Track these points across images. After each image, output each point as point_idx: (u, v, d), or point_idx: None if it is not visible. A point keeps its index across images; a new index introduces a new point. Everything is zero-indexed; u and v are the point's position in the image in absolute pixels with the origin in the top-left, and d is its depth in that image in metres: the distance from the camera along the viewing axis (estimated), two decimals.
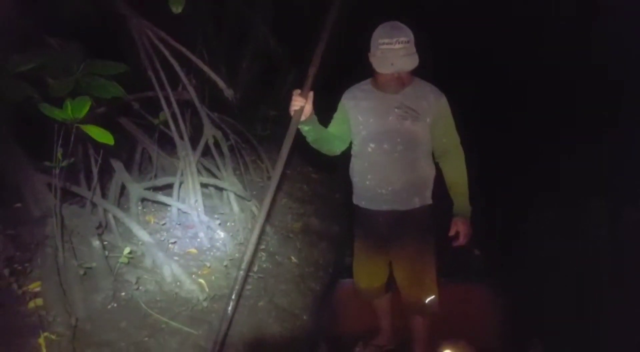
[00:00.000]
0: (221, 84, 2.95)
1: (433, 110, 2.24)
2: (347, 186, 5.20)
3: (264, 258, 3.30)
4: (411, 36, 2.13)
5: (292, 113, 2.20)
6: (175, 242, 2.87)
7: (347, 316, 2.95)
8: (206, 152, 3.57)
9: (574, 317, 2.88)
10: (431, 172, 2.39)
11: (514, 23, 7.06)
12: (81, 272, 2.31)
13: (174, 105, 3.05)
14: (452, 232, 2.32)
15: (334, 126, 2.48)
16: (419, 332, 2.55)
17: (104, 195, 2.87)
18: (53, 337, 2.00)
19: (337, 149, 2.52)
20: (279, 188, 4.47)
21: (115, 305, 2.35)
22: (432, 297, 2.44)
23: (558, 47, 6.19)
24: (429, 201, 2.41)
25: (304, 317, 3.12)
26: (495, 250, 3.49)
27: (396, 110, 2.24)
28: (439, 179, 2.44)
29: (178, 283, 2.58)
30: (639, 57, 4.48)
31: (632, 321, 2.64)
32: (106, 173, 3.07)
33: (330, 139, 2.46)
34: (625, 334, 2.59)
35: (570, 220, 4.08)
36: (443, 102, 2.27)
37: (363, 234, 2.57)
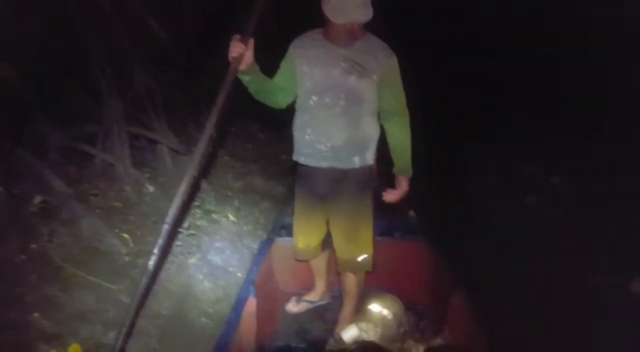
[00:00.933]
0: (153, 24, 2.73)
1: (382, 68, 2.13)
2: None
3: (198, 215, 3.17)
4: None
5: (230, 60, 2.04)
6: (96, 195, 2.68)
7: (281, 274, 2.87)
8: (140, 103, 3.35)
9: (499, 271, 2.99)
10: (374, 132, 2.28)
11: None
12: None
13: (100, 48, 2.80)
14: (397, 189, 2.29)
15: (280, 76, 2.32)
16: (351, 289, 2.51)
17: (18, 141, 2.63)
18: None
19: (282, 101, 2.35)
20: (220, 146, 4.32)
21: (23, 257, 2.17)
22: (366, 256, 2.39)
23: None
24: (370, 162, 2.31)
25: (239, 274, 3.03)
26: (429, 212, 3.52)
27: (342, 63, 2.11)
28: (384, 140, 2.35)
29: (98, 237, 2.41)
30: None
31: (549, 274, 2.78)
32: (24, 118, 2.81)
33: (274, 90, 2.30)
34: (542, 284, 2.73)
35: (502, 185, 4.20)
36: (393, 61, 2.16)
37: (302, 191, 2.47)
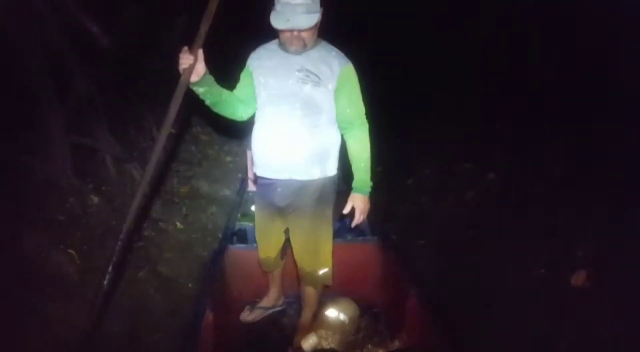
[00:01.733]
0: (94, 28, 2.61)
1: (336, 76, 2.09)
2: (238, 148, 5.11)
3: (145, 225, 3.09)
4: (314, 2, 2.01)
5: (180, 72, 1.99)
6: (39, 209, 2.55)
7: (236, 282, 2.86)
8: (80, 109, 3.20)
9: (449, 270, 3.13)
10: (334, 142, 2.24)
11: None
12: None
13: (37, 51, 2.65)
14: (346, 209, 2.20)
15: (239, 88, 2.29)
16: (310, 300, 2.54)
17: None
18: None
19: (241, 113, 2.31)
20: (165, 150, 4.20)
21: None
22: (326, 270, 2.40)
23: None
24: (331, 173, 2.27)
25: (190, 285, 2.99)
26: (378, 212, 3.63)
27: (297, 73, 2.09)
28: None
29: (43, 255, 2.30)
30: None
31: (496, 271, 2.95)
32: None
33: (232, 102, 2.25)
34: (490, 281, 2.88)
35: (443, 182, 4.40)
36: (348, 69, 2.12)
37: (261, 203, 2.44)
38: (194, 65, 1.96)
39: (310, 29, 2.02)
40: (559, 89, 4.05)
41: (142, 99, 4.01)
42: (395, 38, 7.79)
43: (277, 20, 1.98)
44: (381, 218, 3.56)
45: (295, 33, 2.02)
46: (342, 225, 3.26)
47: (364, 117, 2.20)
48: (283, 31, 2.02)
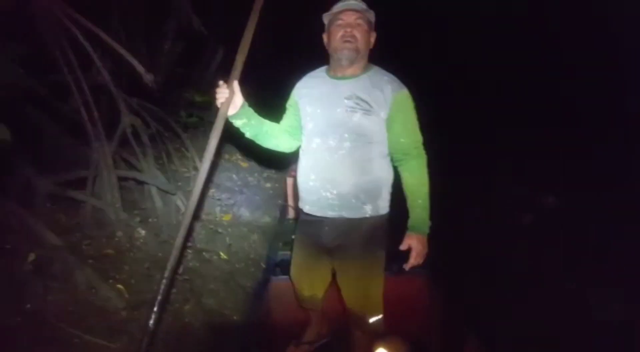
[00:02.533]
0: (139, 67, 2.67)
1: (389, 103, 1.95)
2: (277, 175, 5.12)
3: (190, 256, 3.10)
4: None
5: (218, 106, 2.01)
6: (89, 244, 2.60)
7: (280, 315, 2.82)
8: (125, 143, 3.28)
9: (508, 307, 2.96)
10: (387, 177, 2.08)
11: None
12: None
13: (86, 90, 2.74)
14: (403, 247, 2.04)
15: (285, 119, 2.23)
16: (359, 347, 2.35)
17: (4, 192, 2.53)
18: None
19: (285, 145, 2.24)
20: (207, 178, 4.26)
21: (18, 320, 2.07)
22: (377, 317, 2.24)
23: None
24: (384, 211, 2.10)
25: (234, 317, 2.97)
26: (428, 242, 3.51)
27: (345, 100, 1.97)
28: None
29: (93, 290, 2.33)
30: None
31: (558, 305, 2.75)
32: (9, 167, 2.71)
33: (274, 134, 2.18)
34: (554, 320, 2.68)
35: (497, 209, 4.22)
36: (402, 95, 1.98)
37: (305, 241, 2.29)
38: (230, 99, 1.97)
39: (365, 24, 1.98)
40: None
41: (183, 129, 4.09)
42: (454, 59, 7.65)
43: (332, 9, 1.99)
44: (430, 248, 3.47)
45: (349, 30, 1.95)
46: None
47: (421, 147, 2.04)
48: (336, 25, 1.98)
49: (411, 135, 2.02)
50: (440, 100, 6.75)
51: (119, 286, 2.46)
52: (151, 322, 2.01)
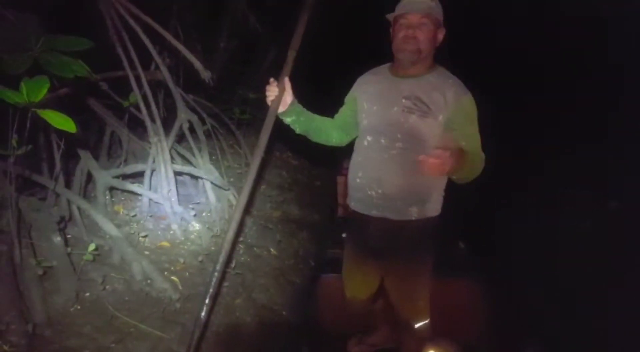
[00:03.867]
0: (198, 64, 2.71)
1: (450, 107, 1.86)
2: (327, 173, 5.11)
3: (241, 251, 3.13)
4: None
5: (268, 103, 2.00)
6: (146, 236, 2.66)
7: (331, 313, 2.80)
8: (180, 138, 3.36)
9: (565, 312, 2.81)
10: (439, 182, 2.01)
11: None
12: (40, 271, 2.09)
13: (145, 86, 2.80)
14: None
15: (341, 113, 2.21)
16: (406, 350, 2.36)
17: (67, 184, 2.63)
18: (6, 348, 1.79)
19: (336, 140, 2.22)
20: (258, 175, 4.29)
21: (78, 307, 2.15)
22: (424, 322, 2.21)
23: None
24: (433, 214, 2.03)
25: (284, 313, 2.97)
26: (480, 243, 3.38)
27: (403, 100, 1.90)
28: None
29: (149, 281, 2.38)
30: None
31: (620, 313, 2.59)
32: (71, 160, 2.81)
33: (325, 129, 2.17)
34: (616, 327, 2.52)
35: (554, 212, 4.03)
36: (465, 100, 1.87)
37: (352, 240, 2.29)
38: (280, 97, 1.97)
39: (430, 24, 1.86)
40: None
41: (237, 126, 4.14)
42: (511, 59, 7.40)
43: (396, 9, 1.92)
44: (485, 249, 3.35)
45: (411, 31, 1.86)
46: (440, 259, 3.11)
47: (480, 151, 1.91)
48: (400, 24, 1.89)
49: (470, 139, 1.90)
50: (505, 97, 6.56)
51: (174, 277, 2.50)
52: (203, 314, 2.04)
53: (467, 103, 1.89)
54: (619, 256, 3.09)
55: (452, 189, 2.07)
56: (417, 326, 2.20)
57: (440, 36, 1.95)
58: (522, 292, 3.05)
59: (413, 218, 1.99)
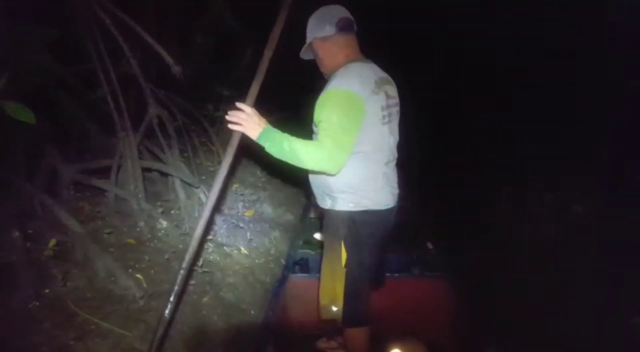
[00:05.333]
0: (168, 59, 2.67)
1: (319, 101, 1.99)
2: (300, 173, 5.10)
3: (210, 249, 3.09)
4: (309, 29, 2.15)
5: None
6: (111, 232, 2.61)
7: (296, 313, 2.79)
8: (151, 134, 3.30)
9: (528, 312, 2.85)
10: (332, 180, 2.06)
11: None
12: None
13: (114, 80, 2.75)
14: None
15: None
16: (344, 340, 2.41)
17: (30, 178, 2.56)
18: None
19: None
20: (231, 174, 4.26)
21: (37, 304, 2.09)
22: (334, 308, 2.20)
23: None
24: (342, 208, 2.10)
25: (252, 312, 2.95)
26: (447, 244, 3.42)
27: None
28: None
29: (112, 278, 2.34)
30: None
31: (581, 314, 2.64)
32: (36, 154, 2.75)
33: None
34: (575, 327, 2.57)
35: (520, 214, 4.10)
36: (328, 92, 1.95)
37: None
38: (243, 123, 1.95)
39: (315, 50, 2.16)
40: None
41: (210, 123, 4.10)
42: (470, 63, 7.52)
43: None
44: (452, 251, 3.37)
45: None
46: (408, 259, 3.13)
47: (326, 138, 1.88)
48: None
49: (322, 125, 1.92)
50: (468, 99, 6.65)
51: (138, 275, 2.46)
52: (167, 312, 2.02)
53: (329, 95, 1.94)
54: (583, 258, 3.15)
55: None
56: (331, 308, 2.21)
57: (325, 48, 2.13)
58: (488, 292, 3.09)
59: (327, 208, 2.18)
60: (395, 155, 2.22)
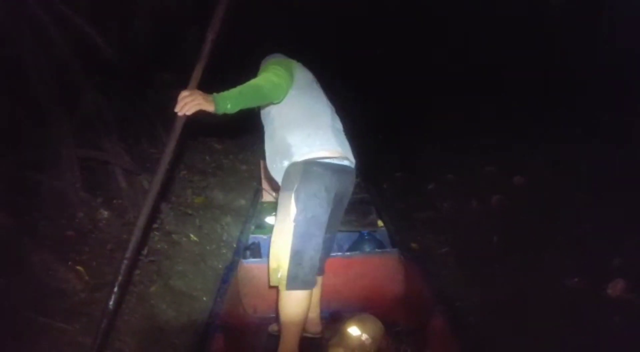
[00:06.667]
0: (99, 41, 2.55)
1: None
2: (253, 157, 5.04)
3: (156, 238, 3.02)
4: None
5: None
6: (47, 225, 2.49)
7: (248, 298, 2.76)
8: (88, 121, 3.16)
9: (476, 283, 2.93)
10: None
11: None
12: None
13: (44, 65, 2.61)
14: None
15: None
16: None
17: None
18: None
19: None
20: (178, 160, 4.15)
21: None
22: (281, 270, 2.06)
23: None
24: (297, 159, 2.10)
25: (204, 298, 2.90)
26: (397, 221, 3.47)
27: None
28: None
29: (50, 272, 2.24)
30: None
31: (526, 281, 2.74)
32: None
33: None
34: (520, 294, 2.66)
35: (466, 186, 4.23)
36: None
37: None
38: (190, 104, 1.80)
39: None
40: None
41: (153, 110, 3.96)
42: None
43: None
44: (401, 227, 3.42)
45: None
46: (361, 237, 3.15)
47: (266, 72, 2.09)
48: None
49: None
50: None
51: (79, 267, 2.37)
52: (111, 303, 1.94)
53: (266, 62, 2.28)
54: (526, 228, 3.27)
55: None
56: (279, 274, 2.08)
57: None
58: (439, 268, 3.17)
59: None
60: None
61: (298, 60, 2.38)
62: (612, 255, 2.65)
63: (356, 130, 2.77)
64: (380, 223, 3.29)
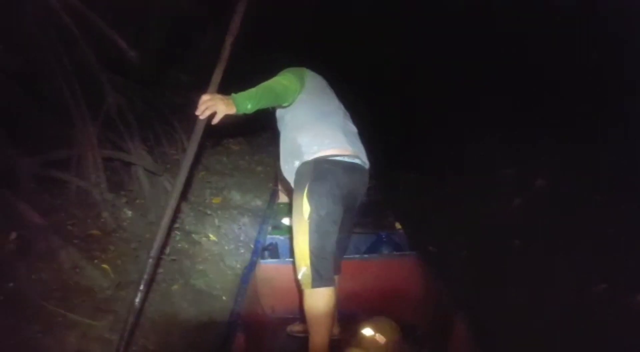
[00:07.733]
0: (122, 44, 2.61)
1: None
2: (269, 158, 5.09)
3: (178, 238, 3.07)
4: None
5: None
6: (74, 224, 2.56)
7: (267, 298, 2.79)
8: (112, 123, 3.22)
9: (496, 287, 2.92)
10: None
11: None
12: None
13: (68, 68, 2.67)
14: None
15: None
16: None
17: None
18: None
19: None
20: (196, 161, 4.20)
21: (1, 298, 2.04)
22: (303, 270, 2.08)
23: None
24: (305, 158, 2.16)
25: (224, 297, 2.95)
26: (415, 223, 3.48)
27: None
28: None
29: (77, 270, 2.30)
30: None
31: (548, 287, 2.72)
32: None
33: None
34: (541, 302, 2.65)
35: (485, 190, 4.20)
36: None
37: None
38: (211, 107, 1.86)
39: None
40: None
41: (172, 110, 4.02)
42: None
43: None
44: (419, 229, 3.43)
45: None
46: (379, 239, 3.17)
47: (277, 76, 2.20)
48: None
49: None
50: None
51: (104, 265, 2.43)
52: (137, 300, 1.99)
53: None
54: (548, 231, 3.24)
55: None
56: (299, 273, 2.11)
57: None
58: (455, 270, 3.17)
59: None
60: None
61: (310, 67, 2.40)
62: None
63: (371, 132, 2.79)
64: (398, 225, 3.32)
